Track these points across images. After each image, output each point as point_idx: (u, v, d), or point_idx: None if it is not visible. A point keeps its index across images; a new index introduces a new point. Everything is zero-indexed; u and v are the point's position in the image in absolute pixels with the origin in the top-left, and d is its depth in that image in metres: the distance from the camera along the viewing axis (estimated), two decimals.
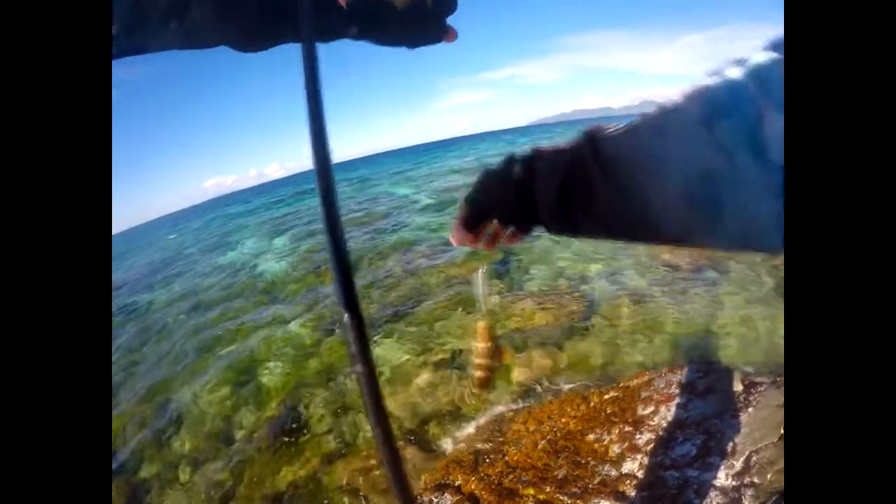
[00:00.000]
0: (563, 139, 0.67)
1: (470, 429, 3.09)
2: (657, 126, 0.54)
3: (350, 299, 0.52)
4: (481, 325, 1.00)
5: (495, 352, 1.01)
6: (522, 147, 0.74)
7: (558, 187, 0.63)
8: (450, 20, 0.80)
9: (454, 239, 0.77)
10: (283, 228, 14.52)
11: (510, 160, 0.71)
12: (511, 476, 2.49)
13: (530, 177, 0.67)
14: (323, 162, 0.56)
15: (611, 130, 0.60)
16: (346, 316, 0.52)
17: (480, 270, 0.97)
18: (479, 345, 1.00)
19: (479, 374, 1.02)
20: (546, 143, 0.71)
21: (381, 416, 0.50)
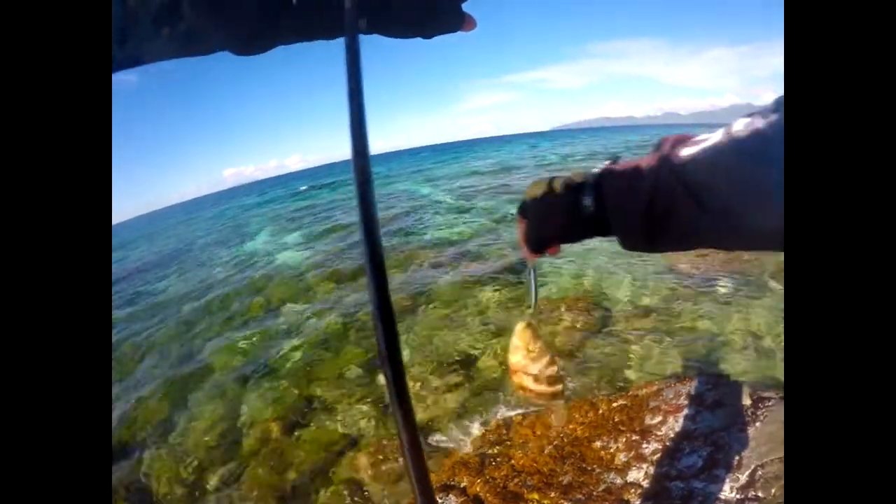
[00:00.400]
0: (631, 158, 0.66)
1: (477, 431, 3.11)
2: (742, 147, 0.53)
3: (382, 297, 0.51)
4: (522, 326, 0.87)
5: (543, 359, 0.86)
6: (571, 170, 0.74)
7: (641, 213, 0.62)
8: (471, 9, 0.77)
9: (524, 254, 0.79)
10: (303, 222, 14.58)
11: (575, 188, 0.69)
12: (516, 480, 2.50)
13: (601, 204, 0.66)
14: (362, 161, 0.53)
15: (688, 152, 0.58)
16: (376, 314, 0.50)
17: (531, 266, 0.87)
18: (526, 351, 0.86)
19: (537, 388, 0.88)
20: (611, 161, 0.69)
21: (408, 417, 0.49)
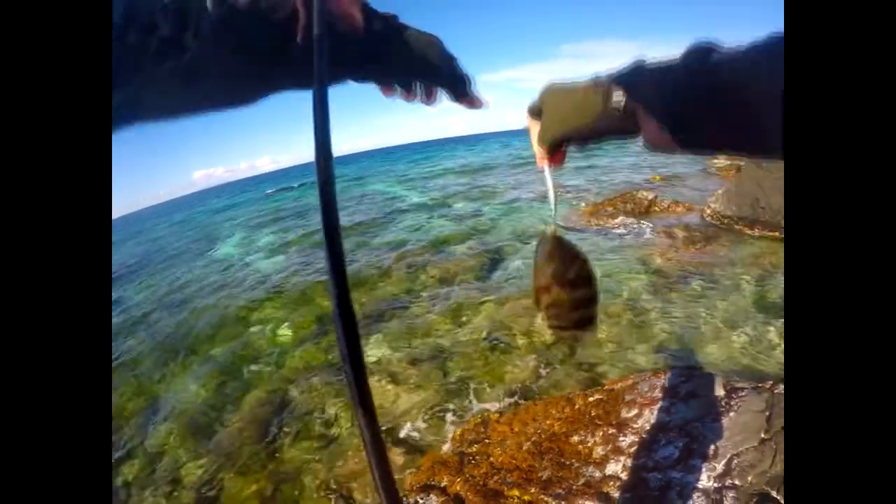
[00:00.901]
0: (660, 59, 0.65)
1: (455, 429, 3.10)
2: (769, 54, 0.53)
3: (343, 299, 0.49)
4: (552, 232, 0.76)
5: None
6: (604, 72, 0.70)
7: (673, 111, 0.61)
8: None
9: (539, 162, 0.76)
10: (274, 223, 14.40)
11: (605, 83, 0.67)
12: (496, 477, 2.50)
13: (632, 101, 0.65)
14: (325, 169, 0.52)
15: (723, 55, 0.58)
16: (337, 315, 0.49)
17: (547, 171, 0.79)
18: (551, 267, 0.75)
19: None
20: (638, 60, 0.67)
21: (370, 418, 0.48)
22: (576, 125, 0.71)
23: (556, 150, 0.76)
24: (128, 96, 0.53)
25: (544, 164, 0.78)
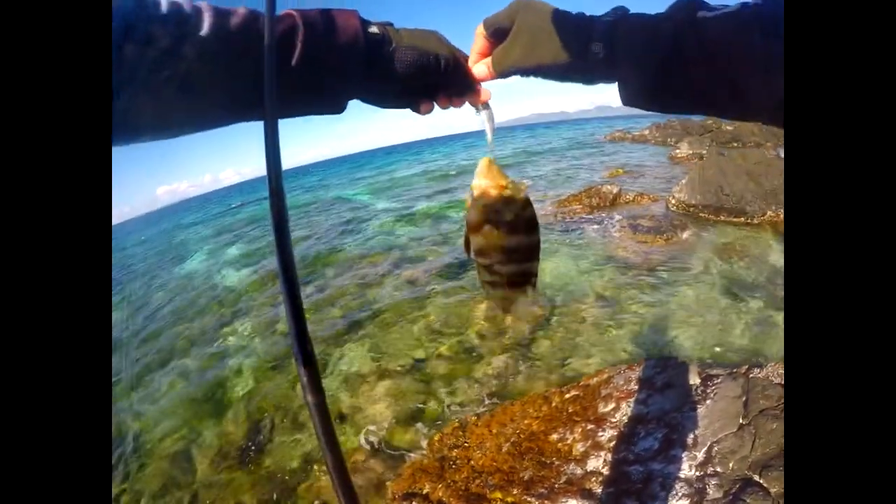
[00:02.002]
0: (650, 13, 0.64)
1: (434, 435, 3.05)
2: (751, 19, 0.55)
3: (301, 336, 0.50)
4: (487, 162, 0.66)
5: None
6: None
7: (655, 64, 0.61)
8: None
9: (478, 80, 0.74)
10: (238, 237, 14.15)
11: (585, 26, 0.64)
12: (478, 481, 2.46)
13: (612, 49, 0.62)
14: (275, 167, 0.54)
15: (708, 12, 0.58)
16: (296, 351, 0.50)
17: (482, 103, 0.75)
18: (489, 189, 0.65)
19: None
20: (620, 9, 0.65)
21: (332, 445, 0.49)
22: (546, 61, 0.66)
23: (504, 76, 0.72)
24: (124, 107, 0.53)
25: (484, 96, 0.75)
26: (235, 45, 0.58)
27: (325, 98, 0.70)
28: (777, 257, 5.06)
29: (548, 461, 2.46)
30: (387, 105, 0.76)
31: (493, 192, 0.64)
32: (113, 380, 5.52)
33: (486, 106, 0.77)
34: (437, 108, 0.77)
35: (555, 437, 2.61)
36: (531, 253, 0.69)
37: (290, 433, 3.55)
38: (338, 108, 0.72)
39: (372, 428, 3.34)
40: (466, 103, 0.77)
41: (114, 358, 6.25)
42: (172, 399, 4.66)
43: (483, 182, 0.65)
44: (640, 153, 16.14)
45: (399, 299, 5.68)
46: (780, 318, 3.85)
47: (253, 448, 3.52)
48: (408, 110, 0.77)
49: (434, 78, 0.71)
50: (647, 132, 23.09)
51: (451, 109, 0.78)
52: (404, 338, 4.61)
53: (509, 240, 0.66)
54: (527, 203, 0.66)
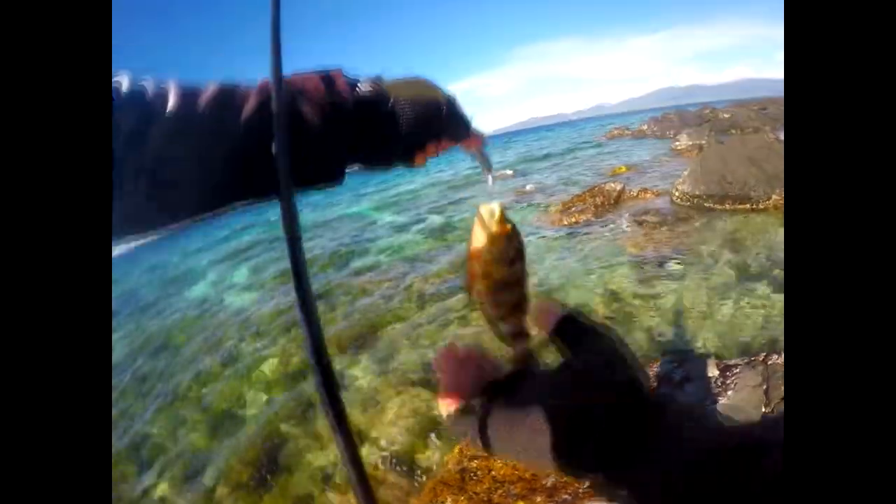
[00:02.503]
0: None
1: (453, 447, 3.02)
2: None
3: (317, 347, 0.48)
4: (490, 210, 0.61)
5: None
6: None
7: None
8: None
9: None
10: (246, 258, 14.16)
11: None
12: (500, 491, 2.43)
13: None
14: (290, 210, 0.51)
15: None
16: (313, 363, 0.48)
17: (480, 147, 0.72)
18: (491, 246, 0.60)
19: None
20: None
21: (354, 457, 0.46)
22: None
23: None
24: None
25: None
26: (205, 124, 0.54)
27: (318, 175, 0.64)
28: (784, 241, 4.99)
29: None
30: (386, 166, 0.71)
31: (501, 242, 0.61)
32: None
33: (481, 145, 0.74)
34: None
35: None
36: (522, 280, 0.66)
37: (307, 452, 3.53)
38: (335, 180, 0.67)
39: (389, 444, 3.31)
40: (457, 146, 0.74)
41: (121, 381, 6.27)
42: (187, 416, 4.65)
43: (491, 234, 0.61)
44: (640, 148, 16.11)
45: (407, 311, 5.66)
46: None
47: (268, 470, 3.49)
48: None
49: (437, 128, 0.68)
50: (645, 127, 23.09)
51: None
52: (414, 350, 4.59)
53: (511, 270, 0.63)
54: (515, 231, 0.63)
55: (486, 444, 0.54)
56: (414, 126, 0.65)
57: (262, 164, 0.55)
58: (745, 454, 0.38)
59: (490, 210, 0.61)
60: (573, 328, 0.56)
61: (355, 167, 0.69)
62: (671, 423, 0.45)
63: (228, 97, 0.56)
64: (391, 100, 0.65)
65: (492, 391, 0.58)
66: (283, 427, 3.99)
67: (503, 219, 0.61)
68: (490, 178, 0.73)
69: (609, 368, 0.51)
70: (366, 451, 3.26)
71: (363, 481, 0.46)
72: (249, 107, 0.56)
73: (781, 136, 7.66)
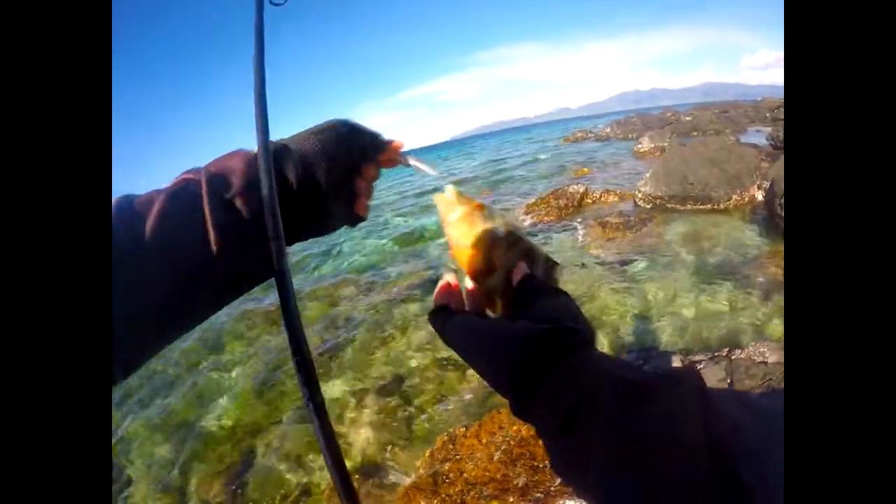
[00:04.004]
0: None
1: (424, 451, 3.01)
2: None
3: (298, 343, 0.51)
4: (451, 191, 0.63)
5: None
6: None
7: None
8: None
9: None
10: None
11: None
12: (472, 492, 2.43)
13: None
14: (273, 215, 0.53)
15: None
16: (294, 360, 0.51)
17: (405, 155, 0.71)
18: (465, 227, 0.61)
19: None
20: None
21: (336, 455, 0.48)
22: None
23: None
24: None
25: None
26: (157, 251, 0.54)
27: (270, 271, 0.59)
28: (745, 240, 5.15)
29: (541, 465, 2.44)
30: (333, 227, 0.70)
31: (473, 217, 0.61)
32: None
33: (405, 153, 0.72)
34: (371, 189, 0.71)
35: None
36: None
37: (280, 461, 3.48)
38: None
39: (361, 452, 3.28)
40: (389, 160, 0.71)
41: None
42: (161, 422, 4.53)
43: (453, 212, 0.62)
44: (603, 151, 16.36)
45: (374, 321, 5.62)
46: (753, 298, 3.90)
47: (241, 477, 3.43)
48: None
49: (354, 157, 0.65)
50: (608, 129, 23.48)
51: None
52: (383, 358, 4.56)
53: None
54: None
55: (446, 341, 0.58)
56: (329, 162, 0.62)
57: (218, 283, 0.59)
58: (650, 388, 0.39)
59: (442, 196, 0.63)
60: (537, 284, 0.58)
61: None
62: (597, 357, 0.46)
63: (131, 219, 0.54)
64: (294, 157, 0.62)
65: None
66: (255, 439, 3.92)
67: (460, 195, 0.62)
68: (430, 168, 0.71)
69: (558, 312, 0.53)
70: None
71: (340, 467, 0.48)
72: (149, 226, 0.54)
73: (742, 139, 7.83)
